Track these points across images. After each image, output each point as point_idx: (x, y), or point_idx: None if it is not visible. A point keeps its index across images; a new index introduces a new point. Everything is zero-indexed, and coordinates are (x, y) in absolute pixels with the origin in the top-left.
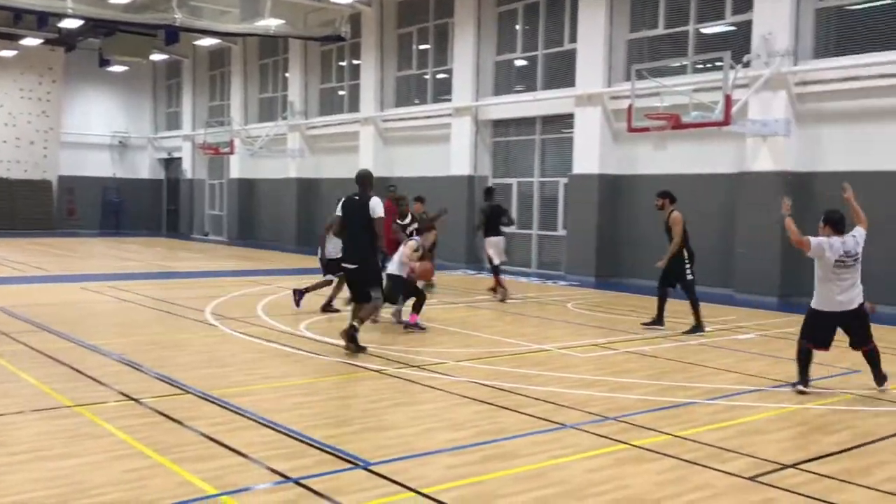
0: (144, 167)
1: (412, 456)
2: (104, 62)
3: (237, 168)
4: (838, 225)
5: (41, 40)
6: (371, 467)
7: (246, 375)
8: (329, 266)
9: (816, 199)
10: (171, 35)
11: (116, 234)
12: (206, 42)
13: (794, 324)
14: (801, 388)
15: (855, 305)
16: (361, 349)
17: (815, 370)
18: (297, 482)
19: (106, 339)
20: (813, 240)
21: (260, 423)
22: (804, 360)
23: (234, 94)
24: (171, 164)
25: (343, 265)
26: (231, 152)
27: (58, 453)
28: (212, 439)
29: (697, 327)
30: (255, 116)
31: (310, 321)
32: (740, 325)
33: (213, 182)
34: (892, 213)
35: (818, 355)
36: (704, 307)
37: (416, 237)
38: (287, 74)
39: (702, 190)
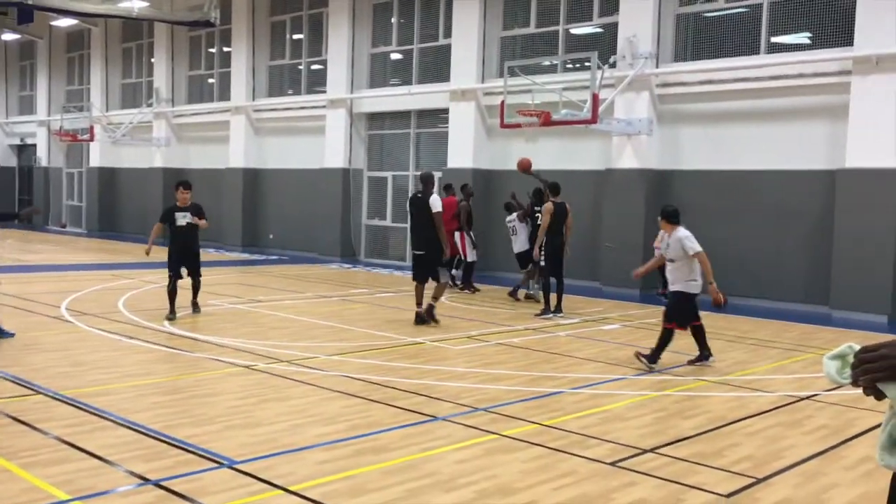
0: None
1: (280, 453)
2: None
3: (98, 156)
4: (672, 217)
5: None
6: (236, 466)
7: (104, 374)
8: (519, 259)
9: (675, 197)
10: (25, 14)
11: None
12: (64, 23)
13: (654, 315)
14: (654, 366)
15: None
16: (435, 321)
17: (673, 358)
18: (156, 484)
19: None
20: (692, 244)
21: (118, 423)
22: (667, 343)
23: (94, 79)
24: (24, 150)
25: (413, 251)
26: (90, 139)
27: None
28: (65, 442)
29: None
30: (117, 102)
31: (176, 316)
32: (606, 316)
33: (72, 170)
34: (743, 207)
35: (683, 344)
36: (573, 299)
37: None
38: (153, 59)
39: (571, 186)
